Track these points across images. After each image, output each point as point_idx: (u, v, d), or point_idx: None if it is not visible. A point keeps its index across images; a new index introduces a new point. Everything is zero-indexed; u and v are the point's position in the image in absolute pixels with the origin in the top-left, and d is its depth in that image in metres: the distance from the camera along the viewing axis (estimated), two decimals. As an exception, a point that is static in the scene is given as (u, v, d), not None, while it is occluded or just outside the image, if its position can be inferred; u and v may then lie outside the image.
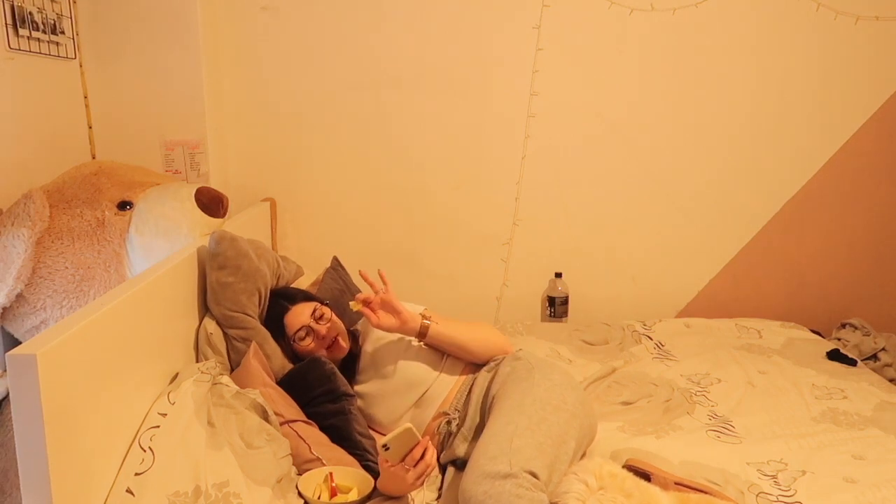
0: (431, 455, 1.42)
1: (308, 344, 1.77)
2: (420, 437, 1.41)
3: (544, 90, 2.62)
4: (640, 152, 2.69)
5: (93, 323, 1.20)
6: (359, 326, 1.93)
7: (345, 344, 1.80)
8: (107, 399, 1.25)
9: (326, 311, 1.81)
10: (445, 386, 1.74)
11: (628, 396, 1.98)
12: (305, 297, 1.89)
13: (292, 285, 2.09)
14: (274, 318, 1.82)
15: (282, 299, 1.85)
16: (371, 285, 1.73)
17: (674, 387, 2.03)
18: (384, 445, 1.38)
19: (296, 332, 1.78)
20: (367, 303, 1.71)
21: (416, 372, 1.74)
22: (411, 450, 1.39)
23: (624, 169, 2.70)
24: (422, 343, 1.78)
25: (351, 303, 1.72)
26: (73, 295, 1.72)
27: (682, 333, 2.50)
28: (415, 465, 1.39)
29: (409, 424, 1.39)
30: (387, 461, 1.41)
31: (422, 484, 1.45)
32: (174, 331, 1.62)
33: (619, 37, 2.59)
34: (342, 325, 1.84)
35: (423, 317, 1.73)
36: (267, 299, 1.85)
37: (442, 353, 1.80)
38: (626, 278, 2.81)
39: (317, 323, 1.78)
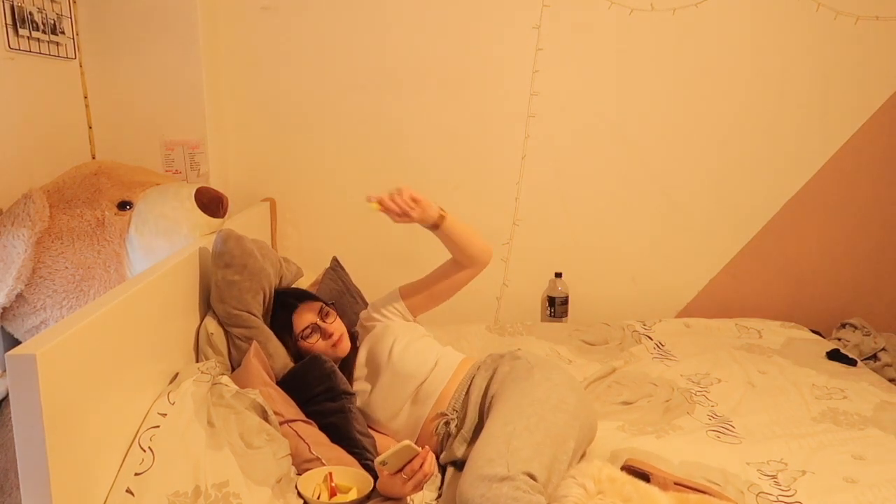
0: (430, 465, 1.40)
1: (315, 341, 1.79)
2: (419, 450, 1.39)
3: (544, 90, 2.62)
4: (640, 152, 2.69)
5: (93, 323, 1.20)
6: (357, 328, 1.94)
7: (348, 342, 1.82)
8: (107, 399, 1.25)
9: (332, 311, 1.84)
10: (442, 379, 1.73)
11: (628, 396, 1.98)
12: (311, 297, 1.90)
13: (293, 286, 2.10)
14: (281, 315, 1.83)
15: (289, 297, 1.86)
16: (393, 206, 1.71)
17: (674, 387, 2.03)
18: (382, 462, 1.37)
19: (303, 330, 1.79)
20: (382, 203, 1.70)
21: (410, 364, 1.75)
22: (410, 461, 1.39)
23: (624, 169, 2.70)
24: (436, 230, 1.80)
25: (370, 204, 1.69)
26: (73, 295, 1.72)
27: (682, 333, 2.50)
28: (412, 476, 1.39)
29: (407, 441, 1.38)
30: (384, 472, 1.41)
31: (421, 489, 1.45)
32: (174, 331, 1.62)
33: (619, 37, 2.59)
34: (344, 325, 1.85)
35: (440, 208, 1.76)
36: (271, 299, 1.86)
37: (436, 349, 1.81)
38: (626, 278, 2.81)
39: (323, 321, 1.79)
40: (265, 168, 2.64)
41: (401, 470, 1.39)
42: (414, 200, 1.73)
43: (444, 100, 2.62)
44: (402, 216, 1.72)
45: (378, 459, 1.38)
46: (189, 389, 1.46)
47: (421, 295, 1.88)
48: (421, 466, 1.39)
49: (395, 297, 1.89)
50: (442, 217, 1.77)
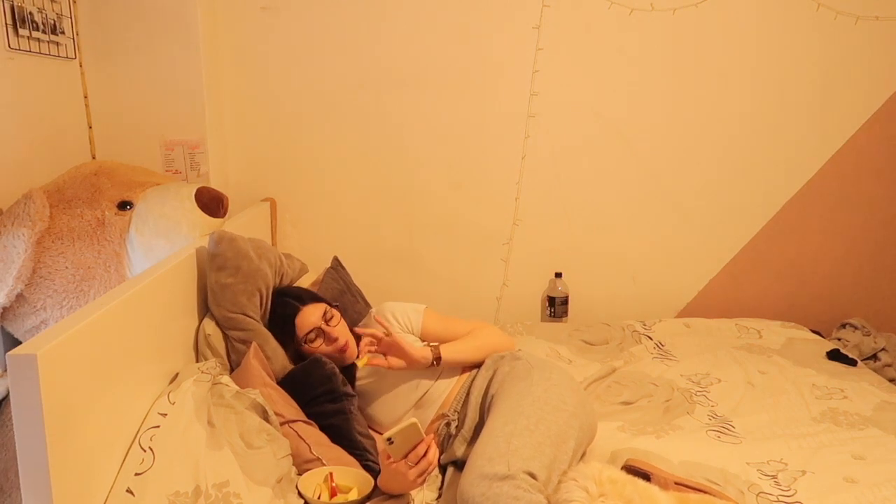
0: (434, 453, 1.42)
1: (318, 345, 1.77)
2: (424, 435, 1.41)
3: (544, 90, 2.62)
4: (640, 152, 2.69)
5: (93, 323, 1.20)
6: (360, 325, 1.93)
7: (355, 349, 1.80)
8: (107, 399, 1.25)
9: (336, 313, 1.81)
10: (446, 387, 1.74)
11: (628, 396, 1.98)
12: (313, 297, 1.87)
13: (296, 284, 2.09)
14: (283, 318, 1.80)
15: (291, 299, 1.82)
16: (373, 335, 1.72)
17: (674, 387, 2.03)
18: (388, 439, 1.38)
19: (307, 334, 1.76)
20: (372, 348, 1.70)
21: (416, 373, 1.74)
22: (414, 447, 1.40)
23: (624, 169, 2.70)
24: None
25: (357, 361, 1.70)
26: (73, 295, 1.72)
27: (682, 333, 2.50)
28: (417, 463, 1.39)
29: (414, 419, 1.39)
30: (389, 458, 1.41)
31: (423, 482, 1.45)
32: (174, 331, 1.62)
33: (619, 37, 2.59)
34: (349, 331, 1.84)
35: (432, 349, 1.73)
36: (269, 299, 1.85)
37: None
38: (626, 278, 2.81)
39: (327, 325, 1.77)
40: (265, 168, 2.64)
41: (405, 457, 1.40)
42: (402, 353, 1.68)
43: (444, 99, 2.62)
44: (390, 365, 1.70)
45: (384, 436, 1.38)
46: (189, 389, 1.46)
47: (439, 336, 1.83)
48: (426, 454, 1.40)
49: (417, 313, 1.85)
50: (438, 359, 1.72)
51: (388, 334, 1.70)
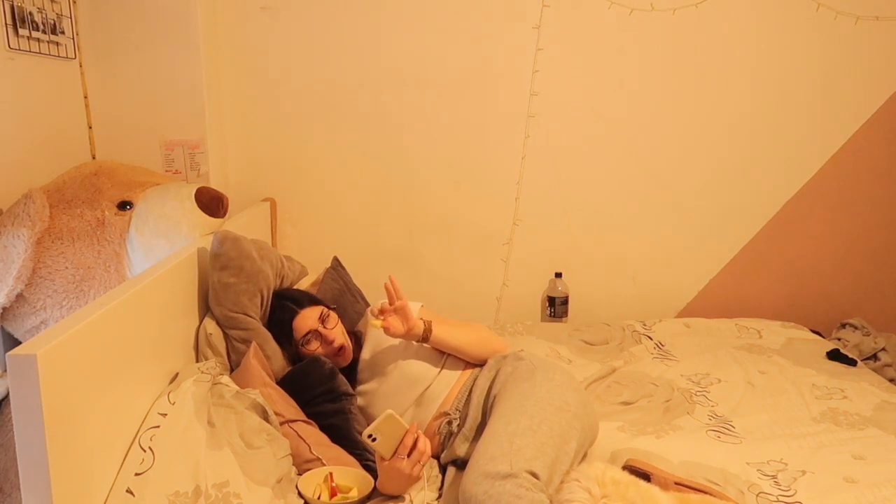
0: (424, 442, 1.43)
1: (315, 348, 1.78)
2: (406, 425, 1.42)
3: (544, 90, 2.62)
4: (640, 152, 2.69)
5: (93, 323, 1.20)
6: (360, 327, 1.93)
7: (351, 354, 1.81)
8: (107, 399, 1.25)
9: (333, 315, 1.82)
10: (447, 384, 1.74)
11: (628, 396, 1.98)
12: (311, 300, 1.89)
13: (295, 286, 2.09)
14: (281, 321, 1.82)
15: (289, 302, 1.84)
16: (388, 295, 1.72)
17: (674, 387, 2.03)
18: (370, 436, 1.38)
19: (304, 336, 1.78)
20: (383, 312, 1.71)
21: (416, 369, 1.74)
22: (402, 440, 1.40)
23: (624, 169, 2.70)
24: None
25: (372, 321, 1.71)
26: (73, 295, 1.72)
27: (682, 333, 2.50)
28: (409, 454, 1.40)
29: (390, 411, 1.40)
30: (383, 459, 1.42)
31: (420, 475, 1.45)
32: (174, 331, 1.62)
33: (619, 37, 2.59)
34: (346, 334, 1.84)
35: (424, 322, 1.73)
36: (269, 300, 1.85)
37: (443, 352, 1.80)
38: (626, 278, 2.81)
39: (323, 327, 1.78)
40: (265, 168, 2.64)
41: (396, 452, 1.40)
42: (406, 318, 1.69)
43: (445, 100, 2.62)
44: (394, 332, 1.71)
45: (365, 432, 1.39)
46: (189, 389, 1.46)
47: (437, 345, 1.81)
48: (415, 444, 1.40)
49: (413, 311, 1.83)
50: (428, 332, 1.73)
51: (393, 302, 1.70)
